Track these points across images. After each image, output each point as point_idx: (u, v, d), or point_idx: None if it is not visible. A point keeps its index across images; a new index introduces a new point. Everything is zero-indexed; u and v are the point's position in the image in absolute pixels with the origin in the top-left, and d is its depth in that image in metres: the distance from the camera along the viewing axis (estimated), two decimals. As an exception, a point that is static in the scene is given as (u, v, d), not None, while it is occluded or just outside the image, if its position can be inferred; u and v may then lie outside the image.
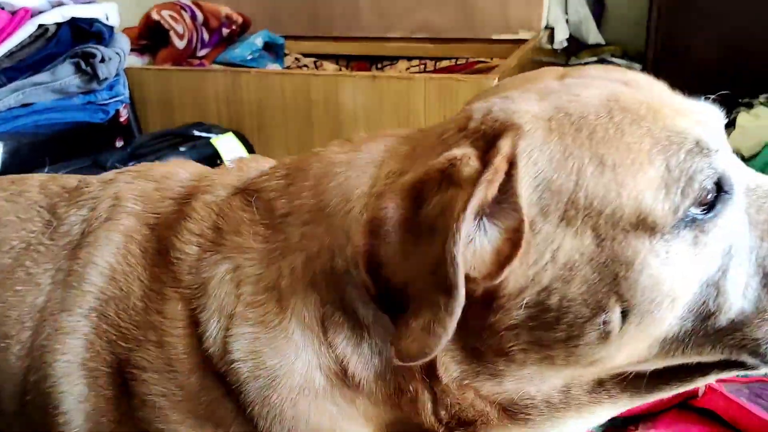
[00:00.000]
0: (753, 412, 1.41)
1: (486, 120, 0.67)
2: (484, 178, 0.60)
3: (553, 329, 0.65)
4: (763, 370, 0.70)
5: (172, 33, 2.32)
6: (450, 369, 0.70)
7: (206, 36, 2.49)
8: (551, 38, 2.90)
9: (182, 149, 1.84)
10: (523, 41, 2.74)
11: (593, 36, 3.22)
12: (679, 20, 3.08)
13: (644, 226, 0.63)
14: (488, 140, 0.65)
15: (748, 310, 0.67)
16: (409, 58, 2.89)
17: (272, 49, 2.70)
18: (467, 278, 0.62)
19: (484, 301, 0.66)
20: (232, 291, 0.74)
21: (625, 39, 3.50)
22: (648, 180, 0.62)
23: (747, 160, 2.67)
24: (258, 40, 2.58)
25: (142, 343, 0.77)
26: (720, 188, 0.65)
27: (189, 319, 0.76)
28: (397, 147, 0.75)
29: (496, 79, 1.78)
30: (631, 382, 0.72)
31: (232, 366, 0.72)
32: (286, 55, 2.82)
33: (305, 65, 2.87)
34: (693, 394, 1.41)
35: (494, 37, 2.80)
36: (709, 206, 0.64)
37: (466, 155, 0.63)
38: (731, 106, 2.93)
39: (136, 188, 0.89)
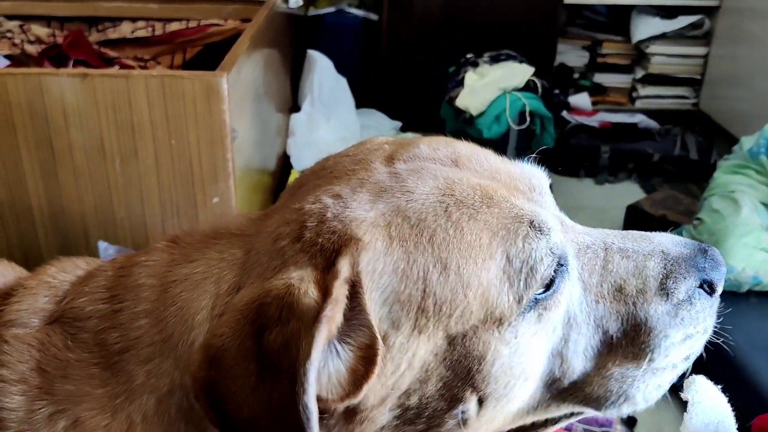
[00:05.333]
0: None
1: (322, 231, 0.63)
2: (324, 315, 0.57)
3: (414, 423, 0.66)
4: (593, 414, 0.74)
5: None
6: None
7: None
8: (286, -2, 2.80)
9: None
10: (255, 2, 2.61)
11: (329, -10, 3.18)
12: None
13: (492, 319, 0.63)
14: (327, 256, 0.61)
15: (589, 369, 0.70)
16: (134, 19, 2.63)
17: (-38, 16, 2.30)
18: (324, 401, 0.60)
19: (347, 415, 0.64)
20: None
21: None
22: (491, 276, 0.63)
23: (476, 118, 2.85)
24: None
25: None
26: (558, 265, 0.66)
27: None
28: (231, 253, 0.68)
29: (225, 76, 1.66)
30: None
31: None
32: (-17, 18, 2.42)
33: (9, 30, 2.48)
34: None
35: (225, -3, 2.63)
36: (549, 283, 0.65)
37: (304, 281, 0.59)
38: (459, 62, 3.08)
39: None
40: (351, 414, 0.64)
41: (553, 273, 0.65)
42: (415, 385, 0.64)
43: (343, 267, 0.60)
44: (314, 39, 3.19)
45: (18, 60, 2.35)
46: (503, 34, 3.09)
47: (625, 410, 0.73)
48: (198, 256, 0.69)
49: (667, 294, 0.71)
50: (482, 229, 0.64)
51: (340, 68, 2.96)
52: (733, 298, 2.04)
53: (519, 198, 0.68)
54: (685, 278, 0.72)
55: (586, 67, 3.60)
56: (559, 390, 0.70)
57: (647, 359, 0.70)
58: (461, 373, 0.64)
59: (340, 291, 0.59)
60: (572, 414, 0.75)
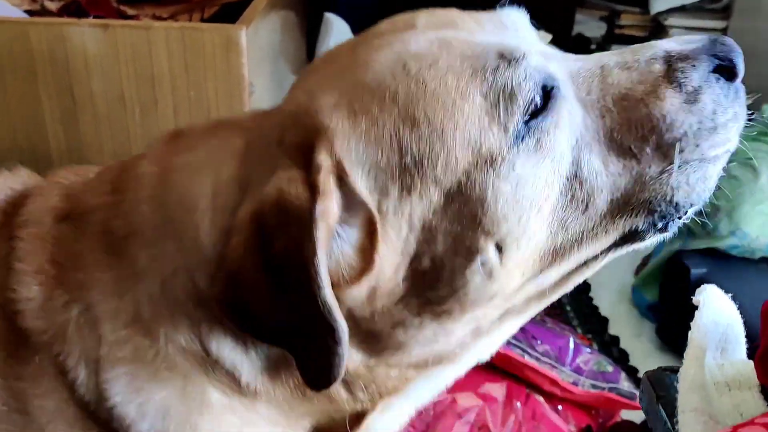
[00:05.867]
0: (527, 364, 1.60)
1: (297, 130, 0.64)
2: (318, 211, 0.58)
3: (436, 287, 0.65)
4: (651, 241, 0.71)
5: None
6: (354, 358, 0.68)
7: None
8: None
9: None
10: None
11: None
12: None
13: (482, 158, 0.62)
14: (305, 153, 0.62)
15: (620, 183, 0.67)
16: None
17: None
18: (340, 285, 0.62)
19: (369, 299, 0.65)
20: (90, 334, 0.68)
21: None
22: (466, 116, 0.61)
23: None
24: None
25: (4, 414, 0.69)
26: (545, 89, 0.64)
27: (53, 368, 0.68)
28: (231, 142, 0.70)
29: (244, 30, 1.67)
30: (534, 296, 0.72)
31: (115, 411, 0.67)
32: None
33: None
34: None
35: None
36: (541, 108, 0.64)
37: (292, 183, 0.60)
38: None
39: None
40: (371, 295, 0.65)
41: (538, 98, 0.63)
42: (422, 247, 0.63)
43: (322, 159, 0.61)
44: (331, 5, 3.17)
45: (38, 15, 2.36)
46: (520, 1, 3.06)
47: (681, 200, 0.68)
48: (199, 144, 0.71)
49: (679, 86, 0.67)
50: (445, 73, 0.62)
51: (356, 33, 2.95)
52: (745, 265, 2.05)
53: (485, 36, 0.66)
54: (694, 66, 0.68)
55: (603, 38, 3.57)
56: (600, 213, 0.67)
57: (677, 152, 0.67)
58: (467, 223, 0.63)
59: (326, 184, 0.60)
60: (623, 241, 0.71)
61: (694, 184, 0.69)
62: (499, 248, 0.64)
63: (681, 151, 0.67)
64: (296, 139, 0.64)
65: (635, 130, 0.67)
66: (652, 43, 0.72)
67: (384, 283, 0.65)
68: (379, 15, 3.10)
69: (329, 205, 0.60)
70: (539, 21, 2.97)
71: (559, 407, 1.69)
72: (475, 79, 0.62)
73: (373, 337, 0.68)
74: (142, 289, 0.68)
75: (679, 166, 0.67)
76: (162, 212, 0.68)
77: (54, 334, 0.69)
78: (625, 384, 1.74)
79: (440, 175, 0.62)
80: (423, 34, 0.66)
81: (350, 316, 0.65)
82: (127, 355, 0.67)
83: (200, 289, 0.66)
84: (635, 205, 0.68)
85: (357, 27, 2.97)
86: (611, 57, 0.71)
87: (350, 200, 0.62)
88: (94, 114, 1.71)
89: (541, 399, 1.68)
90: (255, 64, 1.82)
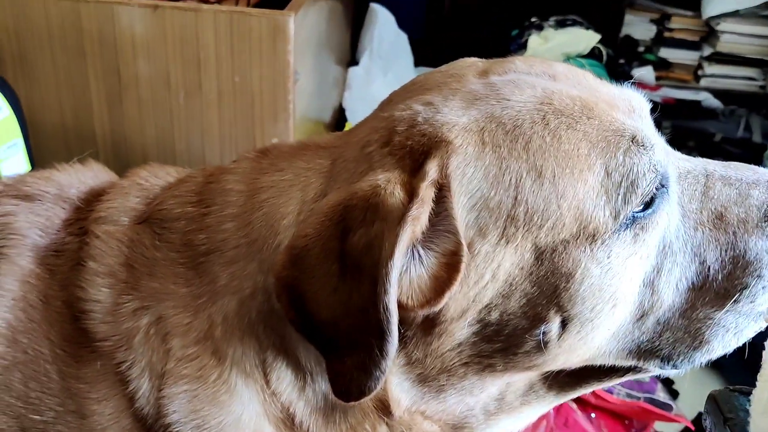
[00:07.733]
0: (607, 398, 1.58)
1: (412, 135, 0.62)
2: (409, 215, 0.56)
3: (493, 341, 0.64)
4: (657, 372, 0.72)
5: None
6: (402, 402, 0.68)
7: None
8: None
9: None
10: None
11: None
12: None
13: (585, 234, 0.61)
14: (416, 158, 0.60)
15: (677, 305, 0.66)
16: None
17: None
18: (405, 307, 0.59)
19: (425, 327, 0.63)
20: (159, 347, 0.67)
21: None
22: (588, 188, 0.61)
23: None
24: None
25: (60, 415, 0.68)
26: (660, 185, 0.64)
27: (114, 376, 0.67)
28: (318, 162, 0.68)
29: (293, 16, 1.66)
30: (555, 382, 0.72)
31: (170, 429, 0.66)
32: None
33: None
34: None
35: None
36: (649, 202, 0.63)
37: (391, 182, 0.58)
38: (522, 25, 3.03)
39: (28, 211, 0.75)
40: (430, 325, 0.63)
41: (654, 191, 0.62)
42: (497, 300, 0.62)
43: (432, 169, 0.59)
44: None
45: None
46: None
47: (698, 358, 0.69)
48: (286, 165, 0.70)
49: None
50: (581, 139, 0.61)
51: (402, 26, 2.93)
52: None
53: (620, 114, 0.65)
54: None
55: (652, 40, 3.50)
56: (642, 331, 0.67)
57: (734, 299, 0.66)
58: (547, 291, 0.61)
59: (426, 192, 0.58)
60: (635, 368, 0.72)
61: (726, 340, 0.68)
62: (563, 325, 0.63)
63: (737, 301, 0.66)
64: (408, 143, 0.62)
65: (718, 253, 0.67)
66: (755, 167, 0.72)
67: (445, 323, 0.63)
68: (425, 11, 3.06)
69: (422, 215, 0.58)
70: (588, 21, 2.91)
71: (593, 415, 1.66)
72: (605, 154, 0.61)
73: (421, 381, 0.67)
74: (218, 308, 0.66)
75: (726, 311, 0.66)
76: (246, 231, 0.67)
77: (119, 341, 0.67)
78: (661, 394, 1.70)
79: (543, 236, 0.60)
80: (566, 90, 0.65)
81: (409, 360, 0.65)
82: (191, 374, 0.66)
83: (275, 312, 0.64)
84: (663, 343, 0.67)
85: (402, 19, 2.95)
86: (716, 166, 0.70)
87: (441, 224, 0.59)
88: (139, 96, 1.71)
89: (574, 406, 1.65)
90: (300, 52, 1.81)
